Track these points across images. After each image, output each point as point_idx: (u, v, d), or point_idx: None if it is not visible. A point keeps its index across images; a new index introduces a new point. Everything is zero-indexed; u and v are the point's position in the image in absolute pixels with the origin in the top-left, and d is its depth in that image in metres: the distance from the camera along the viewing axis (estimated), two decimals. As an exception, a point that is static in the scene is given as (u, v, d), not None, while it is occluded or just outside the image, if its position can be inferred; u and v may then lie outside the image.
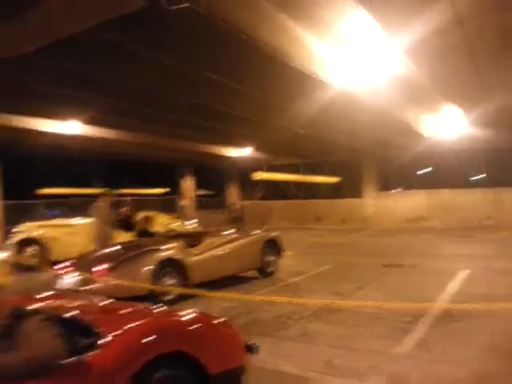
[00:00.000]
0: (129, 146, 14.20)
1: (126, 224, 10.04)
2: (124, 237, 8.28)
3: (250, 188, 22.89)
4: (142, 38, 6.03)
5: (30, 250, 8.59)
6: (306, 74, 6.90)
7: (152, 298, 5.13)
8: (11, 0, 4.78)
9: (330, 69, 7.05)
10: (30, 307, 2.33)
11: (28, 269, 7.88)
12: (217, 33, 5.55)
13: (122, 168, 19.70)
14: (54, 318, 2.25)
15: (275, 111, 10.17)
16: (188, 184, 20.25)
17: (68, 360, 1.96)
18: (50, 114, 10.67)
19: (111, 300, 3.24)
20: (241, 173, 21.76)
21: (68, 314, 2.45)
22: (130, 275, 5.32)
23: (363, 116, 10.37)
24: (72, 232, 9.97)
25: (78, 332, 2.22)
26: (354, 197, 18.66)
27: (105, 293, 4.23)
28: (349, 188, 20.15)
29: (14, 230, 9.85)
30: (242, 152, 17.82)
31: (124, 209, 11.07)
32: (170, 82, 8.00)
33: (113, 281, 5.11)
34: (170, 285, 5.73)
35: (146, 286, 5.22)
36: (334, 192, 20.86)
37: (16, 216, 10.72)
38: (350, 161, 19.20)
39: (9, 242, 9.68)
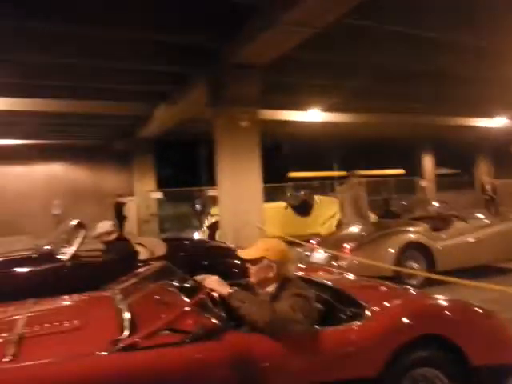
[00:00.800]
0: (365, 126, 14.31)
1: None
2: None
3: (505, 164, 19.51)
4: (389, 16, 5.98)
5: (218, 233, 8.29)
6: None
7: (396, 280, 5.06)
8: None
9: None
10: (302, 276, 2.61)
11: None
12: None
13: (360, 149, 19.99)
14: (323, 287, 2.52)
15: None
16: (427, 162, 18.93)
17: (334, 327, 2.14)
18: (293, 106, 11.80)
19: (362, 277, 3.38)
20: (493, 146, 18.77)
21: (335, 285, 2.69)
22: (374, 255, 5.40)
23: None
24: None
25: (345, 302, 2.42)
26: None
27: (351, 270, 4.45)
28: None
29: (209, 214, 10.33)
30: (495, 122, 15.32)
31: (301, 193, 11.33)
32: (410, 53, 7.61)
33: (358, 259, 5.33)
34: (414, 269, 5.53)
35: (392, 267, 5.22)
36: None
37: (271, 197, 12.33)
38: None
39: (204, 225, 10.33)
